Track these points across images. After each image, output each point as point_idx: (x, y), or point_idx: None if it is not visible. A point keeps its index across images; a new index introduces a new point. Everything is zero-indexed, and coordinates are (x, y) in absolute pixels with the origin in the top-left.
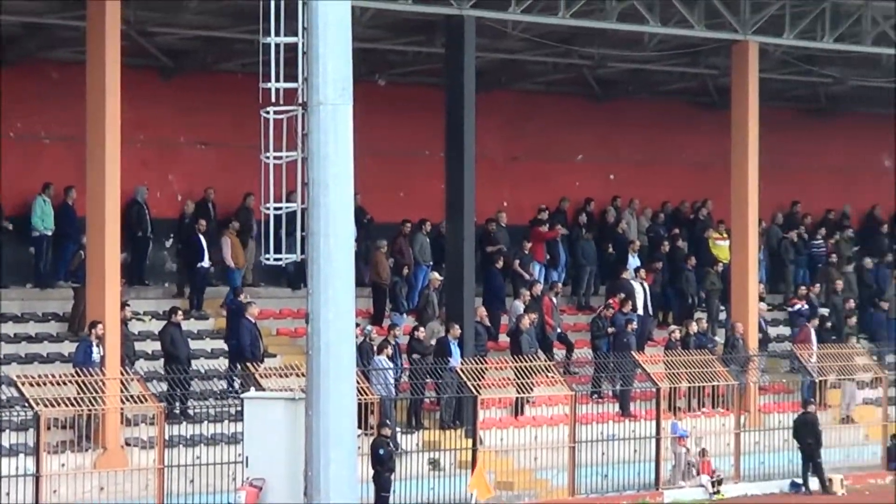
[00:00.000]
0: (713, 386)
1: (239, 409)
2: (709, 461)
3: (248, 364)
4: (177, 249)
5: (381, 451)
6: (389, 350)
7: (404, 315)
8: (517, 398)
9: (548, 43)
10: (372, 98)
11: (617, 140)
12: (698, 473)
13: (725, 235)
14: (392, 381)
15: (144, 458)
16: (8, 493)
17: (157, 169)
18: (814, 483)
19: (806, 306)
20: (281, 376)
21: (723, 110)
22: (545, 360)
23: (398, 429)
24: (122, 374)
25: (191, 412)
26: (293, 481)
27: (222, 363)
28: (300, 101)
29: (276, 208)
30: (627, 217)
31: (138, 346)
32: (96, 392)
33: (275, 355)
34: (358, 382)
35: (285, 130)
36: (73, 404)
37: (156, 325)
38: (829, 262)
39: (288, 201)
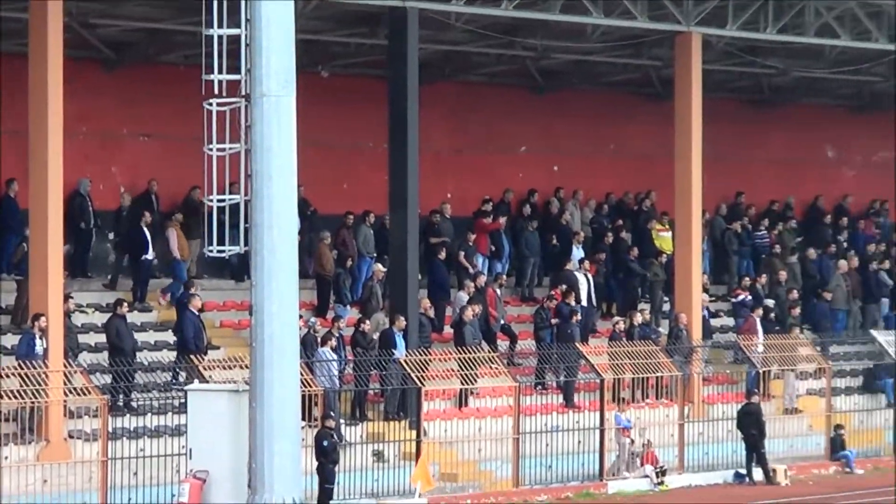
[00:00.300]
0: (657, 377)
1: (182, 401)
2: (653, 452)
3: (192, 356)
4: (113, 242)
5: (325, 443)
6: (333, 342)
7: (348, 307)
8: (461, 389)
9: (491, 34)
10: (315, 90)
11: (560, 131)
12: (642, 464)
13: (668, 227)
14: (336, 372)
15: (88, 450)
16: None
17: (99, 161)
18: (757, 473)
19: (750, 297)
20: (224, 368)
21: (666, 101)
22: (489, 352)
23: (342, 420)
24: (65, 366)
25: (134, 404)
26: (237, 473)
27: (166, 355)
28: (243, 92)
29: (219, 200)
30: (571, 208)
31: (81, 338)
32: (39, 384)
33: (218, 347)
34: (302, 374)
35: (228, 122)
36: (15, 397)
37: (99, 318)
38: (772, 253)
39: (231, 193)
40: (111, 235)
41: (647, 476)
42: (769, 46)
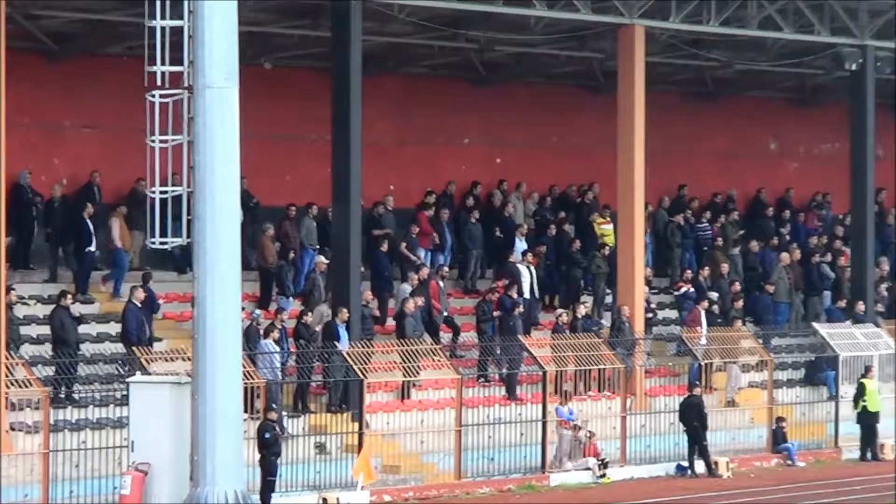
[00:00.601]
0: (600, 369)
1: (125, 393)
2: (595, 444)
3: (134, 348)
4: (45, 234)
5: (268, 435)
6: (276, 334)
7: (291, 299)
8: (403, 382)
9: (434, 27)
10: (258, 82)
11: (503, 124)
12: (584, 455)
13: (609, 219)
14: (279, 364)
15: (29, 442)
16: None
17: (42, 152)
18: (699, 466)
19: (692, 289)
20: (167, 360)
21: (609, 94)
22: (431, 344)
23: (285, 413)
24: (6, 358)
25: (76, 396)
26: (179, 465)
27: (108, 347)
28: (186, 84)
29: (161, 192)
30: (514, 201)
31: (23, 330)
32: None
33: (161, 339)
34: (244, 366)
35: (171, 114)
36: None
37: (41, 310)
38: (715, 246)
39: (174, 185)
40: (47, 227)
41: (589, 468)
42: (712, 39)
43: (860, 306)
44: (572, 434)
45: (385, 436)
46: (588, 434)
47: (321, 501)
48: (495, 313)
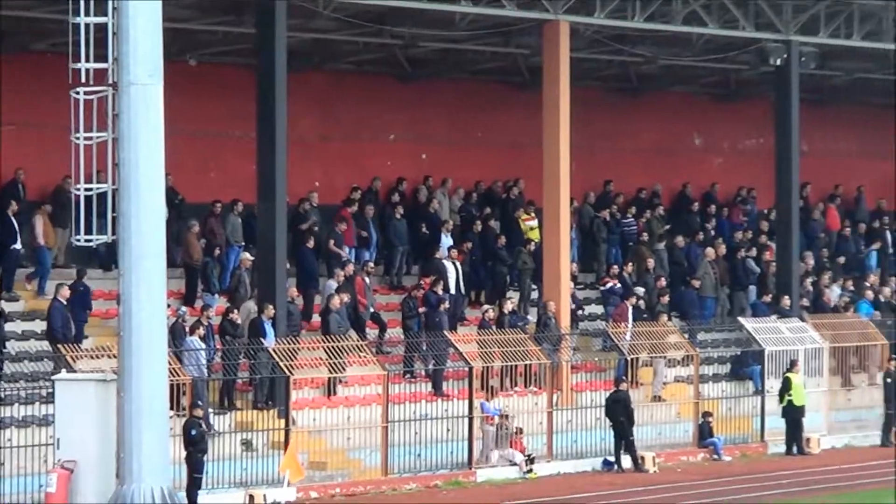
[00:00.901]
0: (526, 365)
1: (50, 391)
2: (521, 440)
3: (60, 346)
4: None
5: (194, 432)
6: (202, 331)
7: (216, 296)
8: (330, 378)
9: (359, 23)
10: (183, 78)
11: (429, 120)
12: (511, 446)
13: (534, 215)
14: (204, 361)
15: None
16: None
17: None
18: (626, 461)
19: (619, 285)
20: (92, 358)
21: (535, 90)
22: (357, 340)
23: (211, 409)
24: None
25: (1, 394)
26: (105, 463)
27: (33, 345)
28: (111, 81)
29: (86, 189)
30: (439, 196)
31: None
32: None
33: (86, 336)
34: (170, 363)
35: (96, 111)
36: None
37: None
38: (640, 241)
39: (99, 182)
40: None
41: (516, 464)
42: (637, 35)
43: (785, 301)
44: (500, 422)
45: (311, 432)
46: (515, 430)
47: (248, 498)
48: (421, 309)
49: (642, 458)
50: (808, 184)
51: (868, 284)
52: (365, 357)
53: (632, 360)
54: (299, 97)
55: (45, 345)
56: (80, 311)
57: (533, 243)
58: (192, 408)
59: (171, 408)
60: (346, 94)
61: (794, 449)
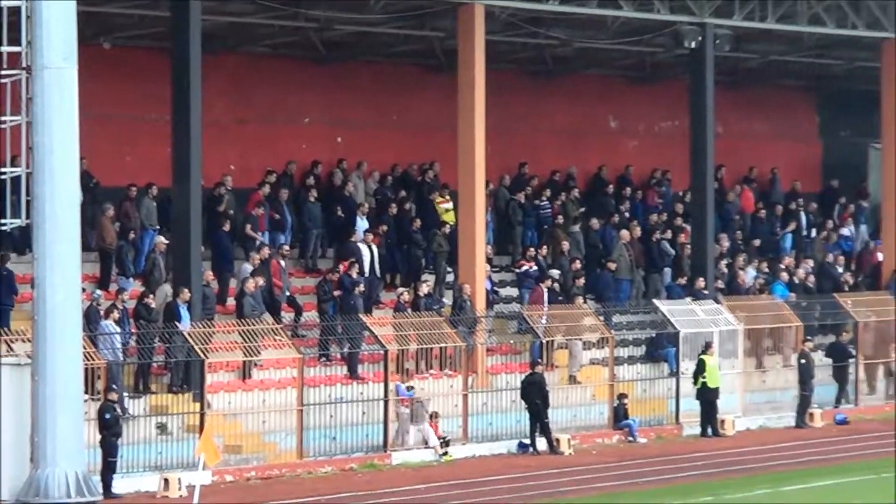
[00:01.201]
0: (441, 347)
1: None
2: (437, 423)
3: None
4: None
5: (108, 416)
6: (117, 314)
7: (131, 279)
8: (245, 362)
9: (274, 6)
10: (97, 62)
11: (344, 103)
12: (428, 423)
13: (448, 198)
14: (119, 345)
15: None
16: None
17: None
18: (541, 443)
19: (534, 267)
20: (7, 342)
21: (450, 73)
22: (273, 324)
23: (125, 393)
24: None
25: None
26: (19, 447)
27: None
28: (24, 64)
29: (0, 173)
30: (355, 180)
31: None
32: None
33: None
34: (85, 347)
35: (10, 95)
36: None
37: None
38: (555, 223)
39: (13, 166)
40: None
41: (432, 447)
42: (552, 17)
43: (700, 283)
44: (414, 400)
45: (227, 416)
46: (431, 414)
47: (163, 482)
48: (336, 293)
49: (557, 440)
50: (722, 166)
51: (783, 266)
52: (280, 340)
53: (547, 342)
54: (214, 80)
55: None
56: (5, 296)
57: (448, 226)
58: (107, 392)
59: (86, 392)
60: (261, 77)
61: (709, 431)
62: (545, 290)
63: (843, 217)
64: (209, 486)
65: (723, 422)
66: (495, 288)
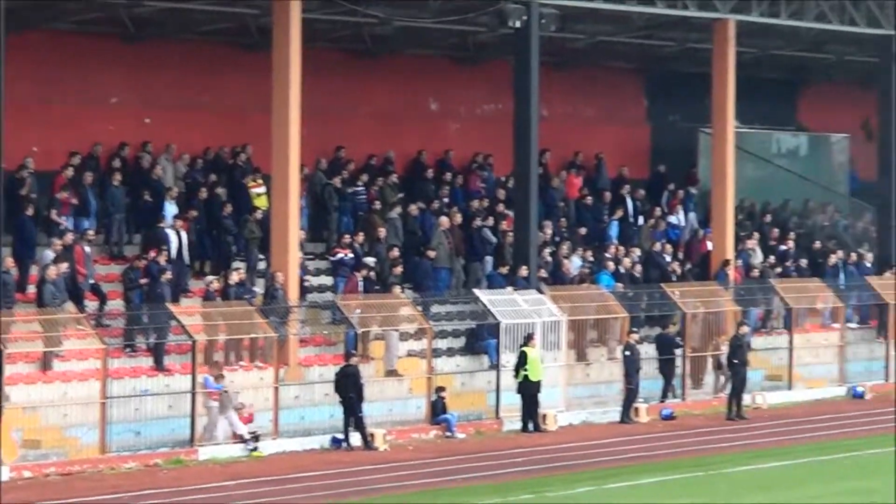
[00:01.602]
0: (252, 338)
1: None
2: (245, 416)
3: None
4: None
5: None
6: None
7: None
8: (45, 352)
9: None
10: None
11: (153, 82)
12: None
13: (261, 182)
14: None
15: None
16: None
17: None
18: (355, 438)
19: (350, 255)
20: None
21: (265, 52)
22: (75, 312)
23: None
24: None
25: None
26: None
27: None
28: None
29: None
30: (164, 163)
31: None
32: None
33: None
34: None
35: None
36: None
37: None
38: (372, 209)
39: None
40: None
41: (245, 441)
42: None
43: (523, 272)
44: (223, 393)
45: (26, 409)
46: (239, 406)
47: None
48: (143, 280)
49: (372, 435)
50: (547, 150)
51: (609, 255)
52: (83, 330)
53: (362, 333)
54: (16, 58)
55: None
56: None
57: (260, 212)
58: None
59: None
60: (66, 55)
61: (530, 426)
62: (361, 278)
63: (672, 204)
64: (6, 483)
65: (545, 416)
66: (308, 276)
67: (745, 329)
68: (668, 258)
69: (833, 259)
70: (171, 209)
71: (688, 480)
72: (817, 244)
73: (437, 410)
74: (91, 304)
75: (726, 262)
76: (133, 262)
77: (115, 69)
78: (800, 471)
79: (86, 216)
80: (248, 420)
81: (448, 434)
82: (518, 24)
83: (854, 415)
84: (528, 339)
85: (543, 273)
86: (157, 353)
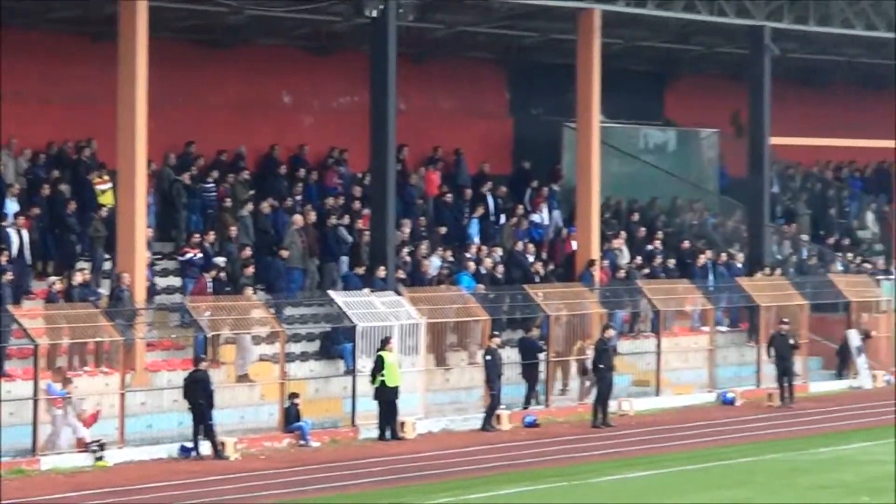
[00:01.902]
0: (97, 342)
1: None
2: (93, 413)
3: None
4: None
5: None
6: None
7: None
8: None
9: None
10: None
11: None
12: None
13: (107, 178)
14: None
15: None
16: None
17: None
18: (205, 447)
19: (199, 255)
20: None
21: (110, 41)
22: None
23: None
24: None
25: None
26: None
27: None
28: None
29: None
30: (4, 158)
31: None
32: None
33: None
34: None
35: None
36: None
37: None
38: (222, 207)
39: None
40: None
41: (92, 450)
42: None
43: (380, 272)
44: (65, 399)
45: None
46: (79, 413)
47: None
48: None
49: (223, 443)
50: (405, 146)
51: (469, 255)
52: None
53: (213, 336)
54: None
55: None
56: None
57: (106, 209)
58: None
59: None
60: None
61: (388, 433)
62: (210, 279)
63: (536, 202)
64: None
65: (403, 424)
66: (156, 276)
67: (610, 332)
68: (532, 258)
69: (702, 259)
70: (11, 207)
71: (551, 491)
72: (686, 244)
73: (291, 418)
74: None
75: (591, 263)
76: None
77: None
78: (669, 480)
79: None
80: (94, 418)
81: (302, 442)
82: (375, 14)
83: (724, 422)
84: (386, 342)
85: (401, 274)
86: None
